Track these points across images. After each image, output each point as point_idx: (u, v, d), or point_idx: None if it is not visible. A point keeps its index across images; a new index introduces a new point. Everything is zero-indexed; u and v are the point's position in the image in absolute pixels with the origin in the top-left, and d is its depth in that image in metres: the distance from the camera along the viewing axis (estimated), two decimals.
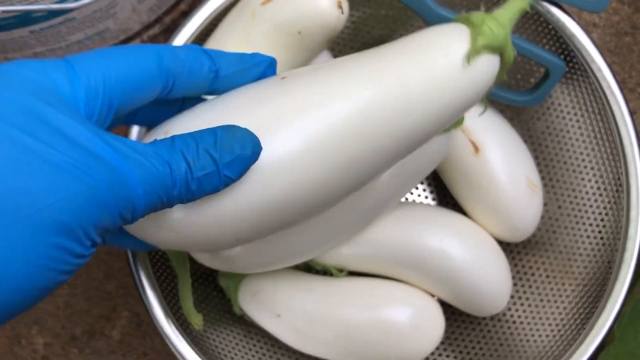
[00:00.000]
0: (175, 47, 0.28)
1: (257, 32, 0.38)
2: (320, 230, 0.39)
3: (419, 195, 0.49)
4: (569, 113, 0.44)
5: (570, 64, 0.42)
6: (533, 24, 0.42)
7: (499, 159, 0.43)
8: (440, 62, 0.30)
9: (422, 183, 0.49)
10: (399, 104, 0.29)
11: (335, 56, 0.47)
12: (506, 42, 0.31)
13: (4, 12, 0.34)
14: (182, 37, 0.40)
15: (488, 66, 0.31)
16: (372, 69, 0.29)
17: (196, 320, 0.36)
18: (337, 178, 0.28)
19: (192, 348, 0.38)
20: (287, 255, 0.39)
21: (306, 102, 0.27)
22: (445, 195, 0.49)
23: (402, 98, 0.29)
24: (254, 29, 0.38)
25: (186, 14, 0.51)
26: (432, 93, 0.29)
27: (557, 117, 0.45)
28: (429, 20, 0.41)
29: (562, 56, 0.42)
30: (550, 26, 0.41)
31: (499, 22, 0.31)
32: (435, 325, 0.42)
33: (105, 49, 0.26)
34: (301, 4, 0.37)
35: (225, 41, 0.39)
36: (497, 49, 0.31)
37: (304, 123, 0.27)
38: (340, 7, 0.37)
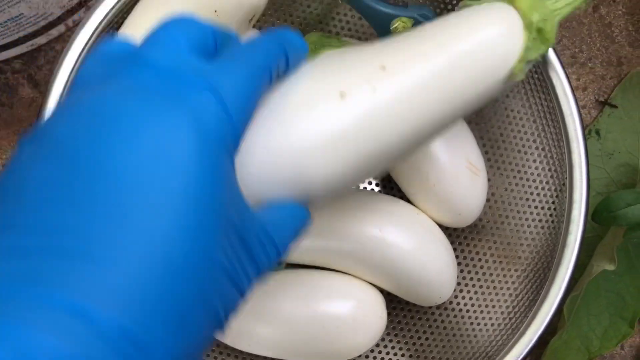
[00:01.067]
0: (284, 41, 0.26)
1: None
2: None
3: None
4: (512, 91, 0.43)
5: None
6: None
7: (437, 141, 0.41)
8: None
9: None
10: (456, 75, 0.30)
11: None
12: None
13: None
14: (99, 15, 0.37)
15: None
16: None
17: None
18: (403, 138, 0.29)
19: None
20: None
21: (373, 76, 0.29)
22: (390, 181, 0.47)
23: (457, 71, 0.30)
24: (172, 9, 0.36)
25: None
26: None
27: (503, 95, 0.43)
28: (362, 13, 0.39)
29: None
30: None
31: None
32: (376, 317, 0.40)
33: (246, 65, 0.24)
34: None
35: (142, 22, 0.36)
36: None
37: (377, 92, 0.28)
38: None
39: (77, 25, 0.47)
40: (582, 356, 0.47)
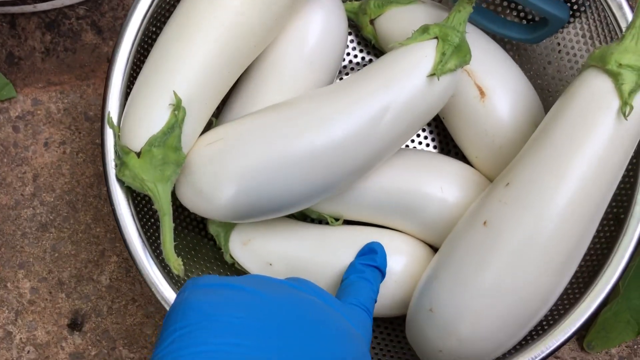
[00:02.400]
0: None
1: None
2: (318, 178, 0.37)
3: (420, 143, 0.47)
4: (582, 57, 0.42)
5: (588, 2, 0.40)
6: None
7: (506, 104, 0.40)
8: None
9: (423, 130, 0.47)
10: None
11: None
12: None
13: None
14: None
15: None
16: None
17: (175, 264, 0.34)
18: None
19: None
20: (283, 204, 0.37)
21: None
22: (447, 143, 0.46)
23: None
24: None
25: None
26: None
27: (569, 61, 0.43)
28: None
29: None
30: None
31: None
32: None
33: None
34: None
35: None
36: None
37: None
38: None
39: None
40: (630, 329, 0.46)
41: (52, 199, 0.47)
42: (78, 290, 0.46)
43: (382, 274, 0.38)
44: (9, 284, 0.46)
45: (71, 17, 0.49)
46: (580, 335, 0.47)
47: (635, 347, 0.48)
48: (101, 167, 0.47)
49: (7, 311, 0.46)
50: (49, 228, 0.47)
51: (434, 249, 0.42)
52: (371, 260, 0.38)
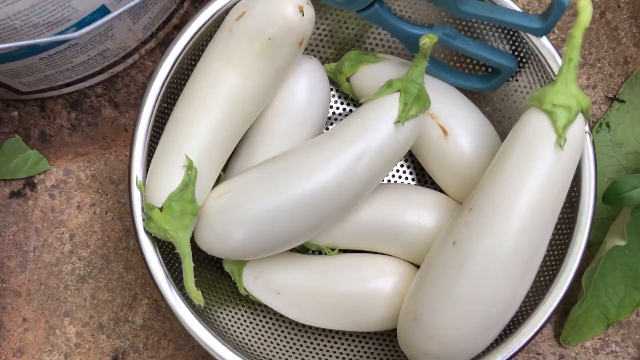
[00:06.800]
0: None
1: (234, 45, 0.43)
2: (312, 216, 0.44)
3: (400, 177, 0.54)
4: (532, 89, 0.49)
5: (524, 50, 0.47)
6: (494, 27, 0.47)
7: (466, 140, 0.47)
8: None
9: (402, 165, 0.54)
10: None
11: (315, 55, 0.52)
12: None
13: (15, 46, 0.39)
14: (176, 51, 0.45)
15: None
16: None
17: (196, 296, 0.41)
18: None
19: (205, 327, 0.44)
20: (285, 241, 0.44)
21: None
22: (424, 175, 0.54)
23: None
24: (231, 42, 0.43)
25: (178, 28, 0.56)
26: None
27: (521, 93, 0.50)
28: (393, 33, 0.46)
29: (516, 44, 0.47)
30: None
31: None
32: None
33: None
34: (267, 14, 0.42)
35: (209, 58, 0.44)
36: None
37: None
38: (301, 11, 0.42)
39: (149, 52, 0.55)
40: (601, 323, 0.53)
41: (87, 254, 0.54)
42: (116, 331, 0.53)
43: None
44: (57, 331, 0.53)
45: (91, 96, 0.57)
46: (557, 332, 0.54)
47: (606, 338, 0.54)
48: (128, 222, 0.55)
49: (57, 354, 0.53)
50: (87, 279, 0.54)
51: (417, 266, 0.48)
52: None
